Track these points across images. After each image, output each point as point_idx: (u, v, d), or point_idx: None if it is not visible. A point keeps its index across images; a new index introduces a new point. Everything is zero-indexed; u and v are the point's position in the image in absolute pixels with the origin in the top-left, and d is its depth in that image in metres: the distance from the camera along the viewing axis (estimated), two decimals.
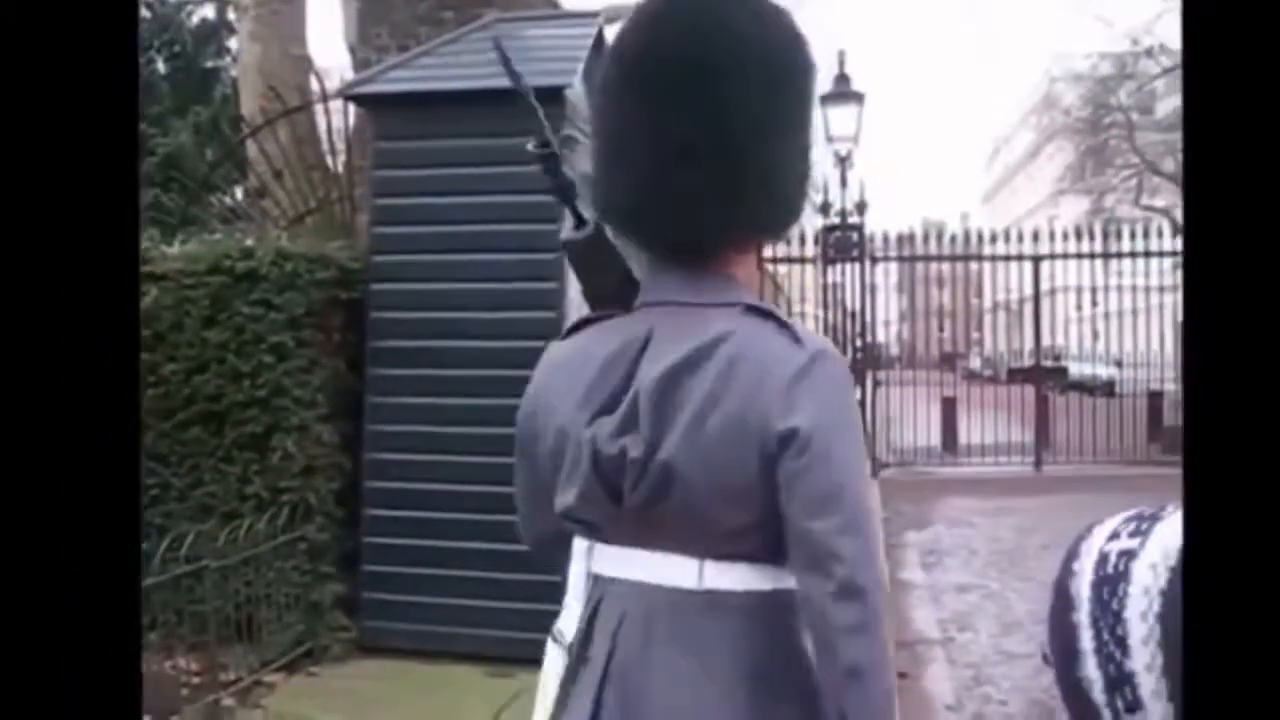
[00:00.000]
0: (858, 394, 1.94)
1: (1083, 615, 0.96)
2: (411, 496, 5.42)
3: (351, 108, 7.08)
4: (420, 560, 5.37)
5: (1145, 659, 0.91)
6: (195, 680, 4.76)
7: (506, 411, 1.72)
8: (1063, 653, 0.97)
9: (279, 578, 5.29)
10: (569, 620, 1.61)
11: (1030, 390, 15.40)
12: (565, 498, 1.57)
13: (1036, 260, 14.66)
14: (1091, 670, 0.94)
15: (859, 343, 14.82)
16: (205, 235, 6.41)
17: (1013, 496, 11.83)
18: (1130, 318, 16.02)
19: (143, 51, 12.02)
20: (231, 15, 12.18)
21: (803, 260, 15.23)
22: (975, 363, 30.53)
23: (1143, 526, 0.97)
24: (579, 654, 1.58)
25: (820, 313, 15.33)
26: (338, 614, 5.49)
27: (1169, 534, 0.93)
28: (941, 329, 22.24)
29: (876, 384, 14.51)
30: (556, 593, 1.66)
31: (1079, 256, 14.80)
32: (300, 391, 5.46)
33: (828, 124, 13.82)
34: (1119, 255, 15.45)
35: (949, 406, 15.97)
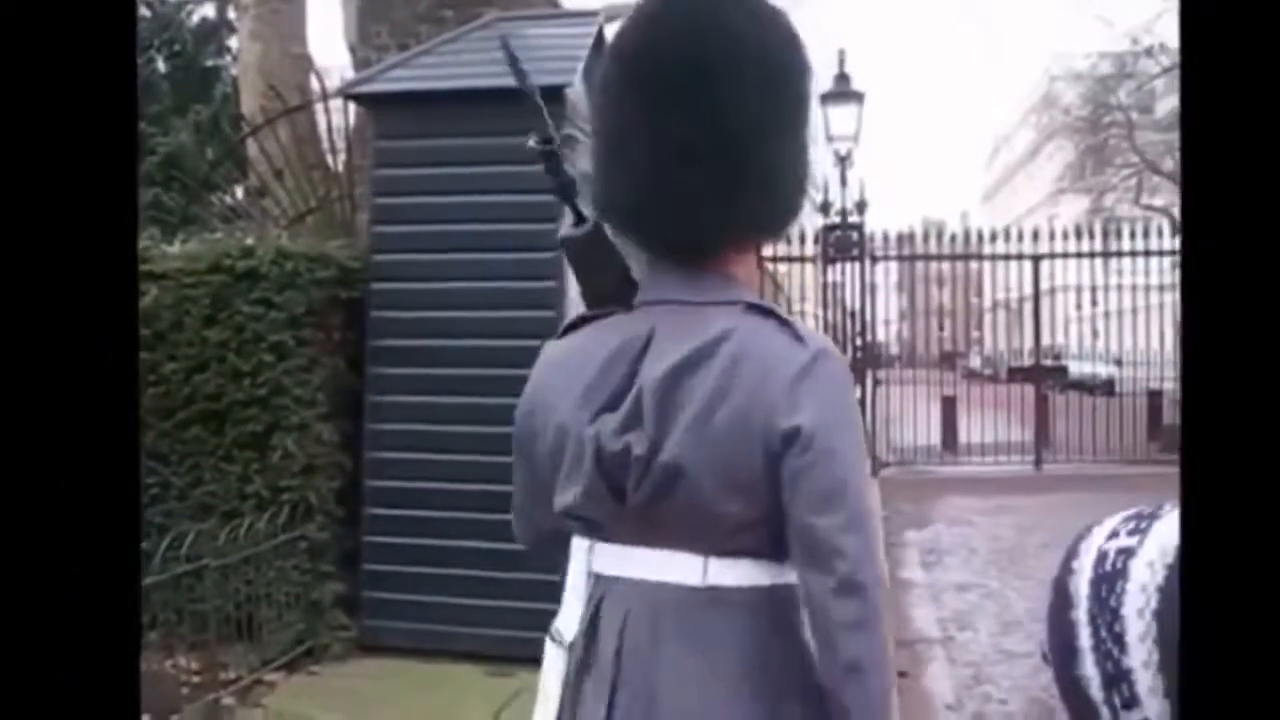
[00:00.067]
0: (858, 393, 1.95)
1: (1081, 613, 0.96)
2: (412, 495, 5.42)
3: (352, 107, 7.08)
4: (421, 559, 5.37)
5: (1142, 656, 0.91)
6: (195, 679, 4.77)
7: (507, 410, 1.72)
8: (1061, 650, 0.97)
9: (279, 577, 5.29)
10: (568, 619, 1.61)
11: (1030, 389, 15.41)
12: (566, 496, 1.57)
13: (1036, 259, 14.66)
14: (1089, 668, 0.95)
15: (859, 342, 14.82)
16: (205, 234, 6.41)
17: (1012, 495, 11.83)
18: (1130, 317, 16.02)
19: (143, 50, 12.02)
20: (232, 14, 12.18)
21: (803, 259, 15.23)
22: (975, 362, 30.53)
23: (1141, 525, 0.97)
24: (583, 654, 1.58)
25: (820, 312, 15.34)
26: (338, 613, 5.49)
27: (1167, 532, 0.94)
28: (941, 328, 22.27)
29: (876, 383, 14.51)
30: (556, 591, 1.66)
31: (1079, 255, 14.81)
32: (300, 390, 5.46)
33: (828, 123, 13.83)
34: (1119, 254, 15.46)
35: (949, 405, 15.98)
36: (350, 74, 7.48)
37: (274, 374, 5.44)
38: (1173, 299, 13.17)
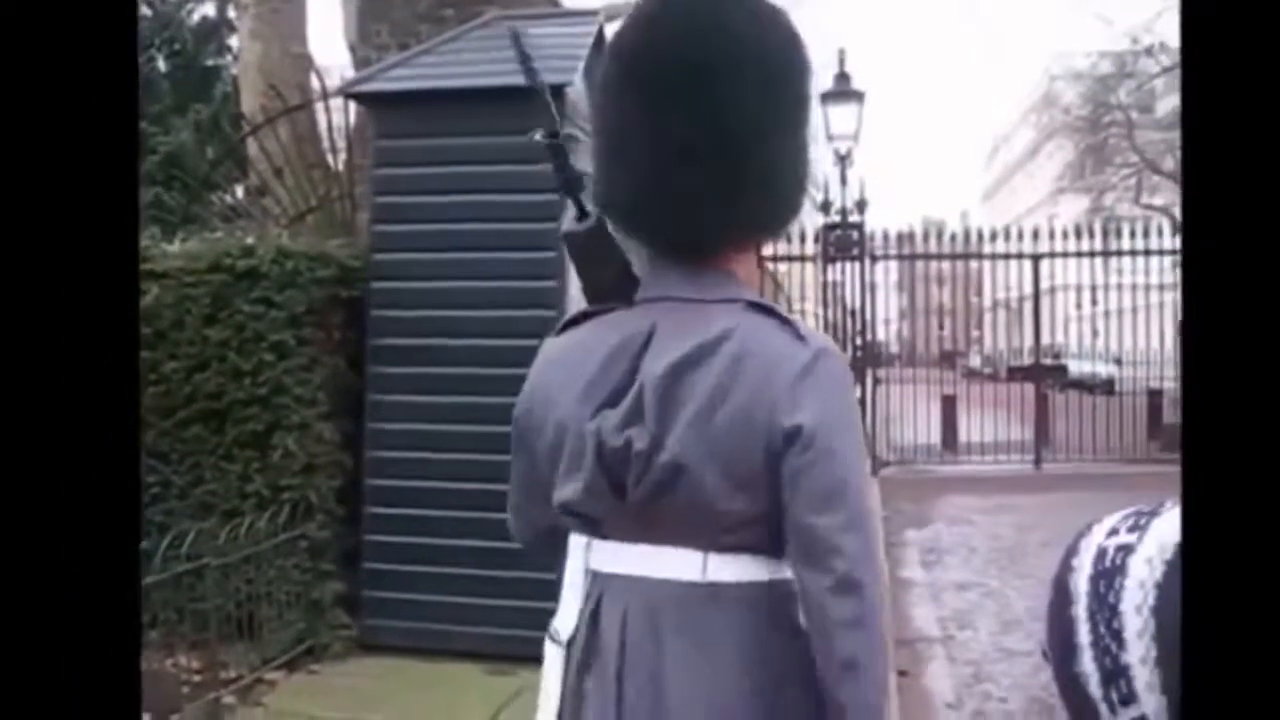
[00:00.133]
0: (857, 392, 1.96)
1: (1080, 610, 0.96)
2: (412, 494, 5.42)
3: (352, 106, 7.08)
4: (421, 558, 5.37)
5: (1140, 652, 0.91)
6: (196, 678, 4.77)
7: (507, 409, 1.72)
8: (1061, 648, 0.97)
9: (280, 576, 5.29)
10: (566, 618, 1.61)
11: (1030, 388, 15.40)
12: (565, 491, 1.58)
13: (1036, 258, 14.66)
14: (1088, 664, 0.95)
15: (859, 341, 14.81)
16: (206, 233, 6.41)
17: (1012, 494, 11.83)
18: (1130, 316, 16.02)
19: (143, 49, 12.01)
20: (232, 13, 12.18)
21: (803, 258, 15.23)
22: (975, 361, 30.49)
23: (1141, 522, 0.97)
24: (584, 652, 1.58)
25: (820, 311, 15.33)
26: (338, 612, 5.49)
27: (1166, 529, 0.94)
28: (941, 327, 22.23)
29: (876, 382, 14.50)
30: (556, 590, 1.66)
31: (1079, 255, 14.80)
32: (301, 389, 5.46)
33: (828, 122, 13.82)
34: (1118, 253, 15.46)
35: (949, 404, 15.97)
36: (350, 73, 7.48)
37: (274, 373, 5.43)
38: (1172, 298, 13.18)
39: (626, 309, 1.60)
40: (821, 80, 13.50)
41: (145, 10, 12.75)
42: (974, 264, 18.29)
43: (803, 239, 14.17)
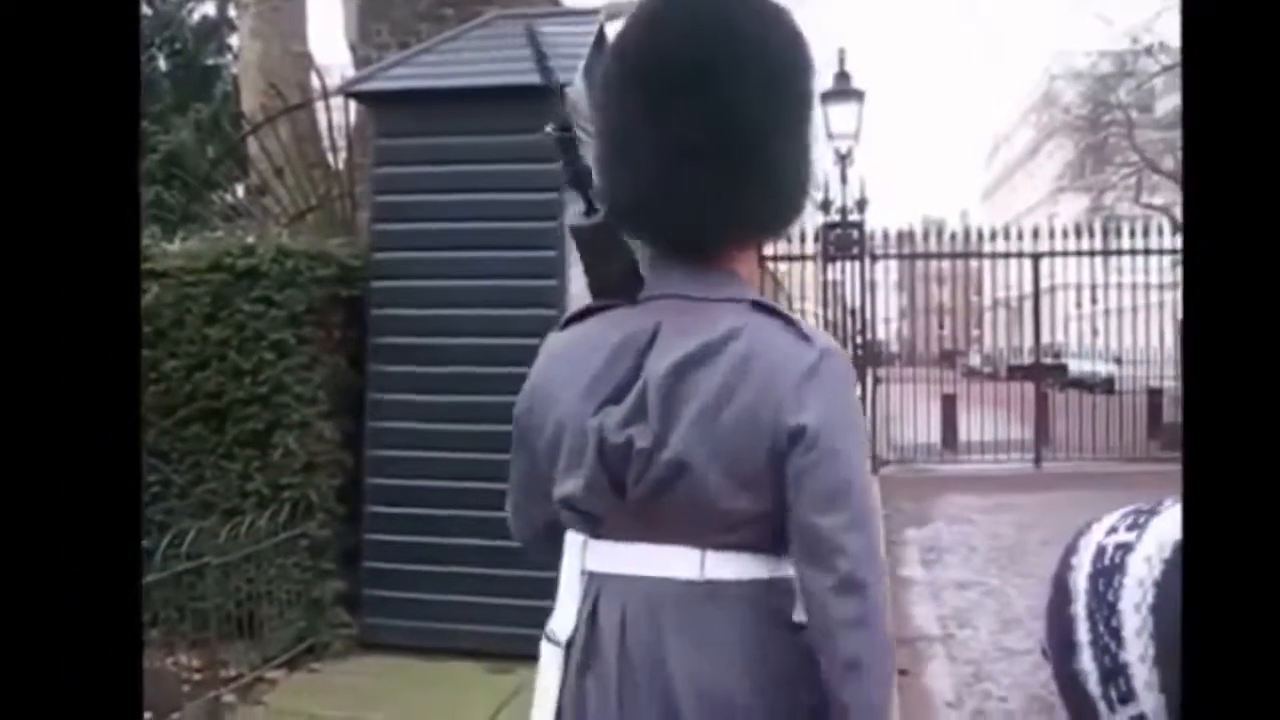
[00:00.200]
0: (858, 391, 1.95)
1: (1079, 608, 0.96)
2: (413, 493, 5.42)
3: (352, 105, 7.08)
4: (421, 557, 5.37)
5: (1139, 650, 0.92)
6: (197, 677, 4.77)
7: (507, 408, 1.72)
8: (1060, 646, 0.97)
9: (280, 574, 5.29)
10: (563, 619, 1.61)
11: (1030, 387, 15.40)
12: (565, 487, 1.57)
13: (1036, 258, 14.65)
14: (1087, 663, 0.95)
15: (859, 340, 14.81)
16: (206, 232, 6.41)
17: (1012, 493, 11.83)
18: (1130, 315, 16.01)
19: (144, 49, 12.01)
20: (232, 12, 12.17)
21: (803, 257, 15.22)
22: (975, 360, 30.48)
23: (1140, 520, 0.97)
24: (584, 653, 1.57)
25: (820, 310, 15.33)
26: (339, 610, 5.49)
27: (1165, 527, 0.94)
28: (941, 326, 22.26)
29: (877, 381, 14.51)
30: (556, 589, 1.66)
31: (1079, 254, 14.79)
32: (301, 388, 5.46)
33: (828, 121, 13.82)
34: (1118, 253, 15.45)
35: (949, 404, 15.96)
36: (351, 72, 7.48)
37: (275, 372, 5.44)
38: (1172, 297, 13.19)
39: (630, 306, 1.60)
40: (822, 79, 13.48)
41: (146, 9, 12.75)
42: (974, 263, 18.28)
43: (803, 238, 14.16)
